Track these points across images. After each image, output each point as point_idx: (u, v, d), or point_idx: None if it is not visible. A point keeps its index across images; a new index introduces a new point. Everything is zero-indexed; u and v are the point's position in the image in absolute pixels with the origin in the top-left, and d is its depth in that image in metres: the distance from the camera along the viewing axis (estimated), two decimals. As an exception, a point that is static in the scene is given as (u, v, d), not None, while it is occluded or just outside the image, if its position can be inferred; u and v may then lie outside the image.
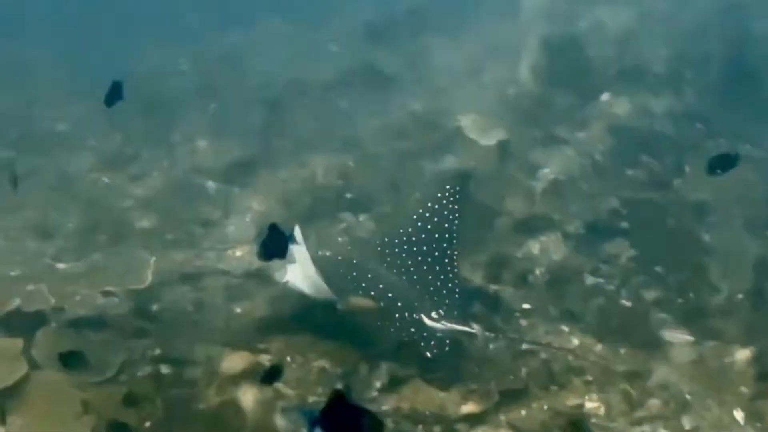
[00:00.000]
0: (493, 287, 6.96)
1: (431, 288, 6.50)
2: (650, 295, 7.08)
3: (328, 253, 6.57)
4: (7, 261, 6.64)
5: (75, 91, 13.74)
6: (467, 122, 9.27)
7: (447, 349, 5.97)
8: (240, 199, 9.09)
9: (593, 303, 6.90)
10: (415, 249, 6.73)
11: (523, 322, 6.73)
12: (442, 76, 12.61)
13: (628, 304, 6.99)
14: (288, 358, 5.81)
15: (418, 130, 10.20)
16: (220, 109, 12.04)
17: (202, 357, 5.89)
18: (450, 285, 6.56)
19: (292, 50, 15.40)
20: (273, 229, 4.92)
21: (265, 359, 5.83)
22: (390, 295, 6.16)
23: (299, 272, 5.84)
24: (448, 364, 5.91)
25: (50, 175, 10.05)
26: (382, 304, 6.06)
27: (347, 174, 9.10)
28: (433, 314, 6.13)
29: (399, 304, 6.13)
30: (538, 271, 7.25)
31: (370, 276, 6.30)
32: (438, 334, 6.02)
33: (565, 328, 6.66)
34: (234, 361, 5.74)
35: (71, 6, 19.24)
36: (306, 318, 6.22)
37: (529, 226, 7.79)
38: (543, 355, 6.21)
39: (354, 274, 6.31)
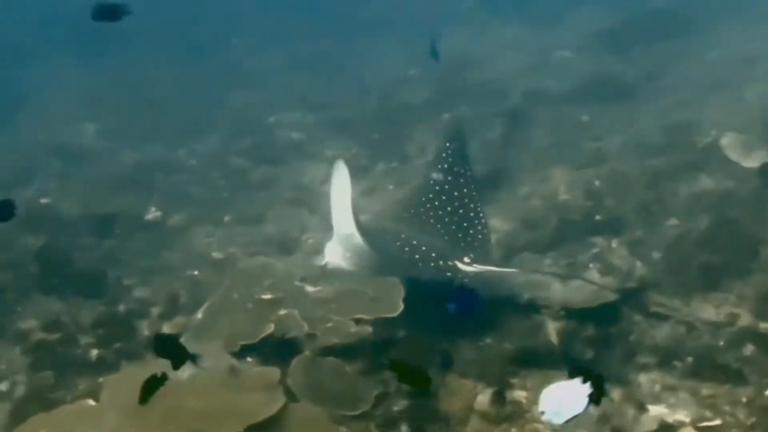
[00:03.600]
0: (764, 326, 6.37)
1: (462, 243, 7.54)
2: None
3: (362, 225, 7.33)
4: (258, 282, 6.98)
5: (308, 98, 14.56)
6: (727, 140, 8.94)
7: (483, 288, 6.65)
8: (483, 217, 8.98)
9: None
10: (440, 211, 7.75)
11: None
12: (691, 86, 12.14)
13: None
14: (544, 393, 5.66)
15: (668, 146, 9.82)
16: (453, 118, 12.13)
17: (456, 391, 5.98)
18: (480, 237, 7.61)
19: (523, 57, 15.30)
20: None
21: (521, 396, 5.90)
22: (424, 248, 7.18)
23: (339, 250, 6.89)
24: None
25: (285, 187, 10.54)
26: (417, 256, 7.10)
27: (593, 192, 8.96)
28: (465, 259, 7.17)
29: (433, 254, 7.16)
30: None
31: (403, 236, 7.31)
32: (471, 275, 7.04)
33: None
34: (487, 396, 5.84)
35: (303, 11, 20.45)
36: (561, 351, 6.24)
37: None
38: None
39: (387, 237, 7.30)
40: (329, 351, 6.30)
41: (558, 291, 7.02)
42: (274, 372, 5.89)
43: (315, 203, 10.01)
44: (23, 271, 8.17)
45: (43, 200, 11.28)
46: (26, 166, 13.05)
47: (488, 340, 6.64)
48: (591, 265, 7.75)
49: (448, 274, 7.16)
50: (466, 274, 7.16)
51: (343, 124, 12.62)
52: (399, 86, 14.23)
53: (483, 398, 5.92)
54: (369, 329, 6.53)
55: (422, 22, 17.86)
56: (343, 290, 6.89)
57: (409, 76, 15.08)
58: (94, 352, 6.93)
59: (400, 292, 6.82)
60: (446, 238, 7.69)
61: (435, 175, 7.71)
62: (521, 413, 5.77)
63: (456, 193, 7.82)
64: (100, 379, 6.48)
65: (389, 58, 16.90)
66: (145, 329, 7.30)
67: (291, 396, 5.75)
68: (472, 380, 6.11)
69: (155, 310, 7.69)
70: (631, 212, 8.50)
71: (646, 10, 15.72)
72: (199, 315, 6.95)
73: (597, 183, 9.13)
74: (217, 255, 8.90)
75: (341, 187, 6.25)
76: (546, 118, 11.82)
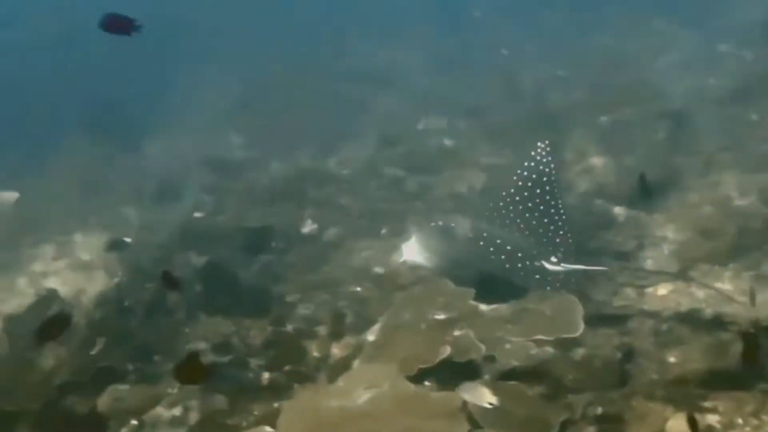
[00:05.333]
0: None
1: (544, 239, 7.95)
2: None
3: (440, 223, 8.08)
4: (430, 301, 6.95)
5: (455, 102, 14.51)
6: None
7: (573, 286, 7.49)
8: (652, 226, 8.98)
9: None
10: (521, 207, 8.17)
11: None
12: None
13: None
14: (739, 420, 5.54)
15: None
16: (611, 122, 11.79)
17: (644, 416, 5.76)
18: (561, 233, 7.94)
19: (677, 55, 14.75)
20: None
21: (714, 420, 5.65)
22: (509, 248, 7.71)
23: (417, 247, 7.71)
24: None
25: (443, 196, 10.58)
26: (503, 257, 7.67)
27: (770, 198, 8.57)
28: (552, 258, 7.65)
29: (519, 255, 7.69)
30: None
31: (485, 235, 7.88)
32: (561, 276, 7.56)
33: None
34: (680, 423, 5.56)
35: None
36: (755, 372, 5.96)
37: None
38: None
39: (470, 235, 7.86)
40: (509, 374, 6.27)
41: (744, 305, 6.75)
42: (455, 397, 5.88)
43: (476, 213, 9.93)
44: (189, 290, 8.46)
45: (197, 214, 11.76)
46: (176, 179, 13.67)
47: (671, 359, 6.45)
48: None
49: (537, 276, 7.62)
50: (554, 274, 7.60)
51: (496, 129, 12.50)
52: (550, 88, 13.99)
53: (674, 423, 5.66)
54: (549, 350, 6.41)
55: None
56: (518, 309, 6.77)
57: (558, 77, 14.78)
58: (266, 375, 7.11)
59: (579, 310, 6.67)
60: (527, 233, 8.09)
61: None
62: (717, 439, 5.61)
63: (538, 190, 8.16)
64: (275, 404, 6.67)
65: (536, 58, 16.62)
66: (314, 350, 7.45)
67: (473, 422, 5.73)
68: (660, 404, 5.87)
69: (323, 330, 7.86)
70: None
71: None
72: (372, 336, 7.02)
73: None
74: (378, 270, 8.98)
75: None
76: (710, 118, 11.46)
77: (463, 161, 12.04)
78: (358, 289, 8.61)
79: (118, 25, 6.85)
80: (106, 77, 19.08)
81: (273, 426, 6.17)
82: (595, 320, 6.97)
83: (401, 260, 8.32)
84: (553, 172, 8.18)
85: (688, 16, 17.09)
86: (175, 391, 7.17)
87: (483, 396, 6.05)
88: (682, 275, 7.68)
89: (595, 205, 9.53)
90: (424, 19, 20.61)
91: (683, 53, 15.08)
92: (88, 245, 11.85)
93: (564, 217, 8.05)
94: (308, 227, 10.60)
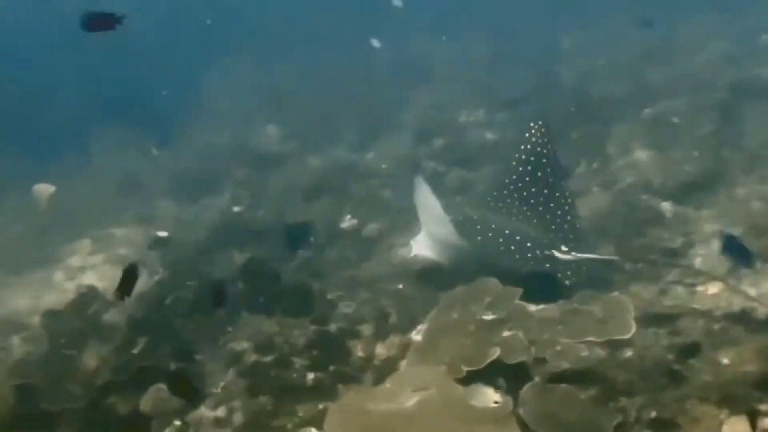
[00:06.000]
0: None
1: (552, 226, 8.05)
2: None
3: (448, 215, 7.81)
4: (477, 301, 6.89)
5: (495, 94, 14.38)
6: None
7: (584, 275, 7.59)
8: (701, 223, 8.76)
9: None
10: (524, 193, 8.27)
11: None
12: None
13: None
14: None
15: None
16: (656, 114, 11.58)
17: (699, 419, 5.67)
18: (569, 218, 8.07)
19: (722, 45, 14.54)
20: None
21: None
22: (518, 238, 7.75)
23: (426, 241, 7.85)
24: None
25: (485, 192, 10.45)
26: (512, 248, 7.70)
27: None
28: (563, 248, 7.67)
29: (528, 244, 7.71)
30: None
31: (494, 226, 7.93)
32: (572, 265, 7.60)
33: None
34: (736, 427, 5.52)
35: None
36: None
37: None
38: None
39: (478, 227, 7.90)
40: (561, 377, 6.15)
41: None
42: (505, 401, 5.81)
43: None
44: (232, 287, 8.43)
45: (236, 208, 11.77)
46: (213, 172, 13.70)
47: (725, 360, 6.24)
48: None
49: (547, 265, 7.65)
50: (565, 263, 7.63)
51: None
52: (589, 78, 13.74)
53: (730, 427, 5.56)
54: (601, 353, 6.30)
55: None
56: (567, 309, 6.66)
57: (597, 66, 14.55)
58: (310, 376, 7.07)
59: (630, 310, 6.55)
60: (535, 221, 8.21)
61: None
62: (776, 443, 5.47)
63: (539, 173, 8.24)
64: (320, 406, 6.64)
65: (575, 47, 16.42)
66: (359, 351, 7.40)
67: (523, 427, 5.67)
68: (715, 407, 5.75)
69: (366, 329, 7.81)
70: None
71: None
72: (418, 336, 6.95)
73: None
74: (419, 267, 8.85)
75: (425, 189, 6.99)
76: (759, 111, 11.22)
77: (506, 155, 11.76)
78: (400, 286, 8.59)
79: (99, 22, 6.81)
80: (141, 70, 19.21)
81: (319, 428, 6.15)
82: (644, 319, 6.84)
83: (411, 255, 8.38)
84: (552, 153, 8.25)
85: (733, 5, 16.79)
86: (219, 391, 7.19)
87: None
88: (724, 277, 7.46)
89: (641, 201, 9.30)
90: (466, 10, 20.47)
91: (728, 44, 14.76)
92: (125, 239, 11.92)
93: (570, 200, 8.17)
94: (347, 222, 10.58)
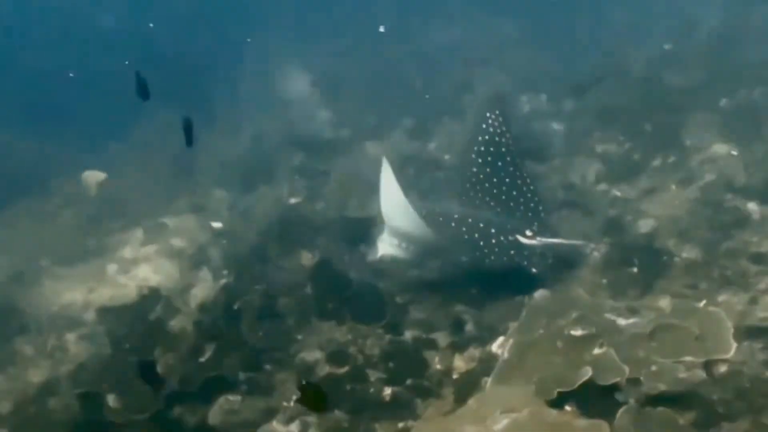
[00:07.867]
0: None
1: (517, 213, 8.29)
2: None
3: (415, 210, 7.77)
4: (564, 313, 6.65)
5: (558, 81, 13.98)
6: None
7: (550, 262, 7.83)
8: None
9: None
10: (486, 184, 8.52)
11: None
12: None
13: None
14: None
15: None
16: (734, 105, 11.10)
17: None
18: (532, 205, 8.30)
19: None
20: None
21: None
22: (482, 225, 7.95)
23: (393, 241, 7.86)
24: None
25: (555, 186, 10.22)
26: (476, 236, 7.87)
27: None
28: (527, 232, 7.88)
29: (492, 230, 7.94)
30: None
31: (457, 216, 8.05)
32: (538, 251, 7.79)
33: None
34: None
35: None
36: None
37: None
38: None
39: (441, 219, 7.97)
40: (658, 399, 5.92)
41: None
42: (601, 426, 5.61)
43: (591, 205, 9.54)
44: (300, 292, 8.28)
45: (293, 200, 11.56)
46: (265, 159, 13.44)
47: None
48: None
49: (512, 252, 7.82)
50: (531, 248, 7.79)
51: (607, 112, 11.79)
52: (659, 64, 13.12)
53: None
54: (698, 372, 6.05)
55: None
56: (661, 324, 6.39)
57: (665, 51, 13.96)
58: (387, 390, 6.91)
59: (728, 326, 6.28)
60: (498, 210, 8.38)
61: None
62: None
63: (500, 163, 8.50)
64: (400, 424, 6.48)
65: (637, 29, 15.79)
66: (436, 363, 7.22)
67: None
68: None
69: (441, 339, 7.61)
70: None
71: None
72: (500, 350, 6.76)
73: None
74: (490, 269, 8.52)
75: (389, 179, 6.88)
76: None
77: (575, 148, 11.43)
78: (473, 291, 8.33)
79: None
80: (191, 57, 19.06)
81: (401, 450, 6.03)
82: (737, 332, 6.47)
83: (378, 256, 8.30)
84: (510, 142, 8.51)
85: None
86: (291, 404, 7.05)
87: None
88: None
89: (725, 200, 8.83)
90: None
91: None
92: (177, 229, 11.75)
93: (532, 187, 8.42)
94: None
